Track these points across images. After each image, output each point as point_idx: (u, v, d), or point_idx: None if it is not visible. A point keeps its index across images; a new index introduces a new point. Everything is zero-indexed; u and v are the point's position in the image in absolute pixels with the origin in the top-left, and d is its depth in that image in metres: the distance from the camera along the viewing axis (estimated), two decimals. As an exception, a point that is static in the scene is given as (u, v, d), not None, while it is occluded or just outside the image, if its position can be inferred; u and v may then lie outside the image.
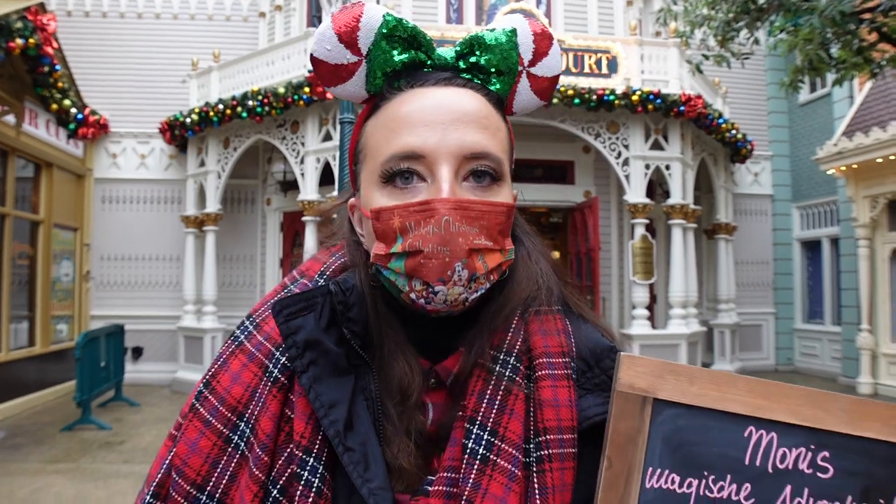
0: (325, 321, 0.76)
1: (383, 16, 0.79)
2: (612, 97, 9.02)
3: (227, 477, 0.75)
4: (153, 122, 11.08)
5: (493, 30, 0.83)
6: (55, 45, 8.71)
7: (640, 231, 9.51)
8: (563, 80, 9.10)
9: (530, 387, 0.77)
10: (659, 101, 9.14)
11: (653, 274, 9.59)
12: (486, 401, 0.74)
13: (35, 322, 9.58)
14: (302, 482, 0.71)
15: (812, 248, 13.14)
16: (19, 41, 7.67)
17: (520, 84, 0.86)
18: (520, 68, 0.85)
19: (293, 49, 9.37)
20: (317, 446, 0.73)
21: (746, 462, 0.69)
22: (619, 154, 9.51)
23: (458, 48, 0.83)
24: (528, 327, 0.81)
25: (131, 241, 11.22)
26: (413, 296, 0.74)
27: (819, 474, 0.70)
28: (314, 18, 6.38)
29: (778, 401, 0.71)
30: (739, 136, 11.06)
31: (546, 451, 0.73)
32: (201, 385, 0.80)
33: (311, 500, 0.70)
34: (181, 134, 10.40)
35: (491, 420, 0.73)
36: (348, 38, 0.78)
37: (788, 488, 0.70)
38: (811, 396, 0.72)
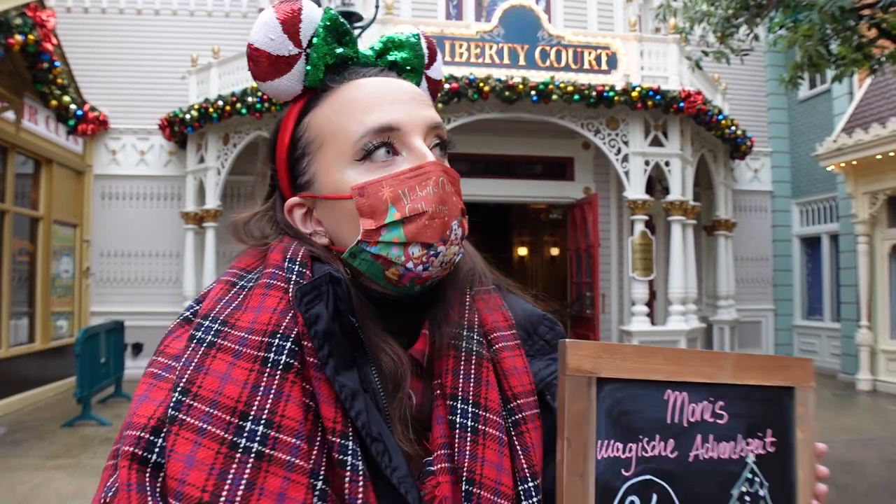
0: (330, 311, 0.73)
1: (325, 10, 0.82)
2: (611, 93, 9.03)
3: (242, 486, 0.64)
4: (153, 118, 11.08)
5: (401, 33, 0.90)
6: (54, 41, 8.71)
7: (639, 227, 9.53)
8: (563, 77, 9.11)
9: (493, 359, 0.82)
10: (658, 97, 9.15)
11: (652, 270, 9.61)
12: (461, 376, 0.78)
13: (35, 318, 9.58)
14: (348, 468, 0.68)
15: (811, 244, 13.15)
16: (18, 38, 7.67)
17: (421, 84, 0.92)
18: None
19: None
20: (351, 430, 0.70)
21: (668, 421, 0.80)
22: (619, 150, 9.52)
23: (375, 47, 0.89)
24: (475, 305, 0.86)
25: (131, 238, 11.23)
26: (410, 264, 0.76)
27: (718, 421, 0.83)
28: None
29: (686, 365, 0.82)
30: (739, 132, 11.07)
31: (520, 415, 0.79)
32: (177, 394, 0.68)
33: (361, 485, 0.68)
34: (181, 130, 10.40)
35: (471, 393, 0.77)
36: (291, 29, 0.80)
37: (699, 437, 0.81)
38: (708, 357, 0.85)
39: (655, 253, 9.97)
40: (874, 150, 9.76)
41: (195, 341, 0.72)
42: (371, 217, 0.76)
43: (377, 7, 6.89)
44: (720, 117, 10.28)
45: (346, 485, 0.67)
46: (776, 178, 13.53)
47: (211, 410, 0.67)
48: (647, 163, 9.53)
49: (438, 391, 0.78)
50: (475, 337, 0.82)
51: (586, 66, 9.40)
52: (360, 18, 6.33)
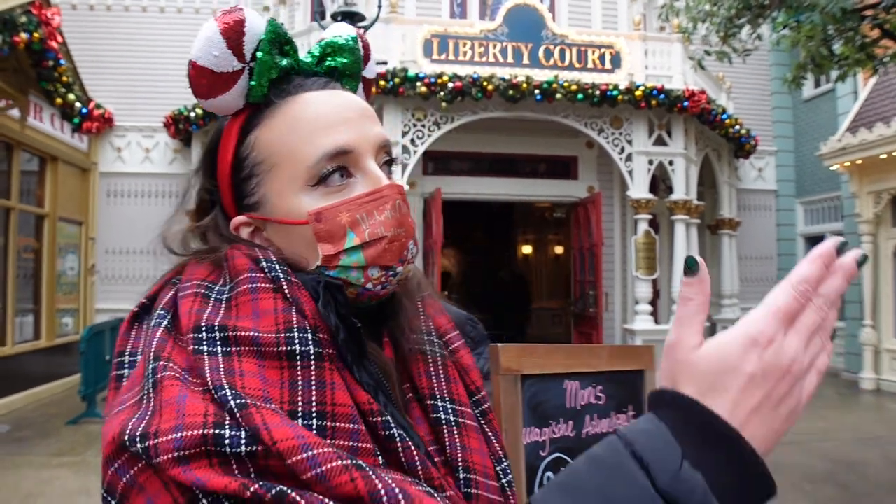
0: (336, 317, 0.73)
1: (268, 21, 0.80)
2: (615, 93, 9.03)
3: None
4: (158, 116, 11.13)
5: (339, 35, 0.88)
6: (59, 39, 8.75)
7: (642, 226, 9.54)
8: (567, 76, 9.11)
9: (452, 358, 0.87)
10: (662, 96, 9.16)
11: (655, 269, 9.62)
12: (433, 377, 0.82)
13: (40, 315, 9.63)
14: (398, 440, 0.69)
15: (815, 243, 12.87)
16: (24, 35, 7.71)
17: (358, 88, 0.91)
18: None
19: (297, 43, 9.38)
20: (386, 409, 0.71)
21: (567, 406, 0.96)
22: (623, 149, 9.53)
23: (315, 53, 0.87)
24: (426, 311, 0.90)
25: (136, 235, 11.23)
26: (370, 285, 0.78)
27: (598, 402, 1.01)
28: (317, 14, 6.40)
29: (577, 358, 1.00)
30: (743, 131, 11.08)
31: (486, 405, 0.85)
32: (227, 390, 0.62)
33: (414, 452, 0.70)
34: (185, 128, 10.45)
35: (446, 391, 0.81)
36: (235, 44, 0.77)
37: (588, 417, 0.99)
38: (592, 350, 1.04)
39: (659, 252, 9.96)
40: (878, 149, 9.74)
41: (206, 353, 0.66)
42: (330, 242, 0.76)
43: (380, 7, 6.89)
44: (724, 116, 10.28)
45: (402, 454, 0.69)
46: (780, 177, 13.52)
47: (266, 405, 0.63)
48: (650, 162, 9.54)
49: (411, 394, 0.81)
50: (435, 340, 0.86)
51: (590, 65, 9.41)
52: (362, 18, 6.33)
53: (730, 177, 11.84)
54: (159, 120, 11.11)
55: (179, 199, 0.92)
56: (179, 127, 10.54)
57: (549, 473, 0.91)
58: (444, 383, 0.82)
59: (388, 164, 0.84)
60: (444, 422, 0.79)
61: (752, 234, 12.99)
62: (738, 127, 10.83)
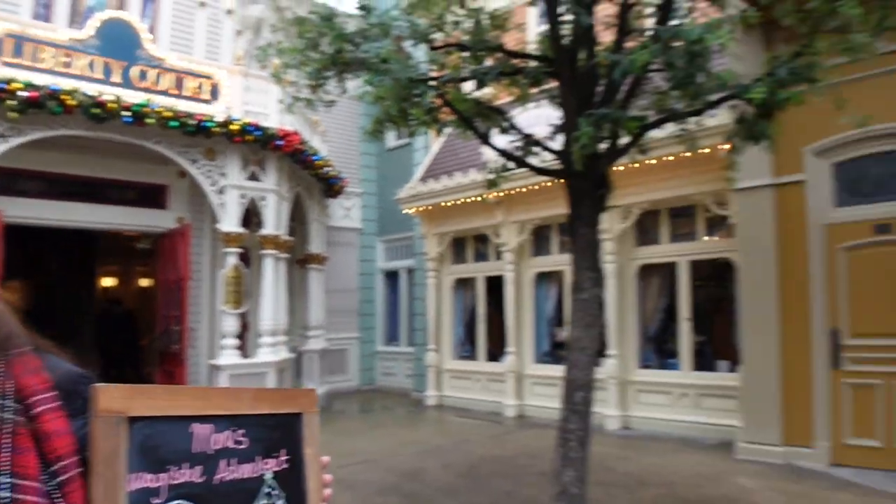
0: None
1: None
2: (211, 124, 8.98)
3: None
4: None
5: None
6: None
7: (232, 260, 9.56)
8: (162, 101, 8.80)
9: (31, 424, 0.82)
10: (259, 132, 9.37)
11: (243, 303, 9.71)
12: None
13: None
14: None
15: (392, 277, 14.66)
16: None
17: None
18: None
19: None
20: None
21: (193, 451, 0.93)
22: (215, 182, 9.48)
23: None
24: (12, 370, 0.84)
25: None
26: None
27: (240, 446, 0.98)
28: None
29: (210, 400, 0.98)
30: (333, 172, 11.85)
31: (65, 476, 0.81)
32: None
33: None
34: None
35: (9, 464, 0.77)
36: None
37: (224, 462, 0.96)
38: (230, 392, 1.03)
39: (249, 285, 10.08)
40: (442, 198, 11.36)
41: None
42: None
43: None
44: (316, 157, 10.88)
45: None
46: (365, 216, 14.85)
47: None
48: (243, 196, 9.63)
49: None
50: (9, 405, 0.81)
51: (187, 92, 9.22)
52: None
53: (320, 214, 12.53)
54: None
55: None
56: None
57: None
58: (7, 455, 0.78)
59: None
60: None
61: (338, 269, 13.96)
62: (328, 169, 11.52)
